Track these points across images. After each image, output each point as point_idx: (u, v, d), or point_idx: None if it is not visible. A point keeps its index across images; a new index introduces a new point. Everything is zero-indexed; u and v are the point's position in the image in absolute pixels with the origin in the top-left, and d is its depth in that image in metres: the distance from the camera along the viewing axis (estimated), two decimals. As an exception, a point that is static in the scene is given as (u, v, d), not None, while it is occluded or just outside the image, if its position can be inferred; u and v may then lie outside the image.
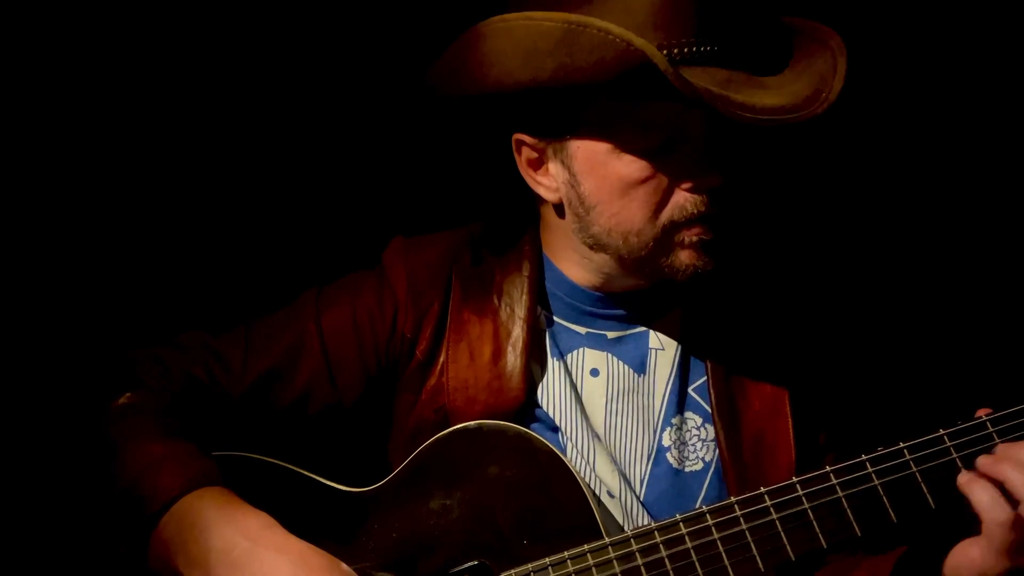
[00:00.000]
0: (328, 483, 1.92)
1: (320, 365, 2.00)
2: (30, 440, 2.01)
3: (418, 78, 1.99)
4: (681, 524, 1.78)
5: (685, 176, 1.88)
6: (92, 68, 2.37)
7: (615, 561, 1.78)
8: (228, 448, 1.92)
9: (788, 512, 1.75)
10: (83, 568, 1.91)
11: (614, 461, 1.98)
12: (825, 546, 1.75)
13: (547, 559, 1.81)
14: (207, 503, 1.77)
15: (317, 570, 1.73)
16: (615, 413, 2.01)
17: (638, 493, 1.97)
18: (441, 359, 2.01)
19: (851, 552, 1.94)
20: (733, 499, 1.78)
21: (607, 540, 1.79)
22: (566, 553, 1.80)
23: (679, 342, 2.05)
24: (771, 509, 1.76)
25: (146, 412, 1.87)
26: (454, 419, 1.96)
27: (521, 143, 1.97)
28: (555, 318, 2.05)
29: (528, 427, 1.92)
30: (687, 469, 2.00)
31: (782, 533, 1.75)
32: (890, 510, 1.74)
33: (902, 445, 1.75)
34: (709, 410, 2.01)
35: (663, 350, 2.04)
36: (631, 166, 1.88)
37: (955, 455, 1.73)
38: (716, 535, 1.77)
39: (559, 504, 1.85)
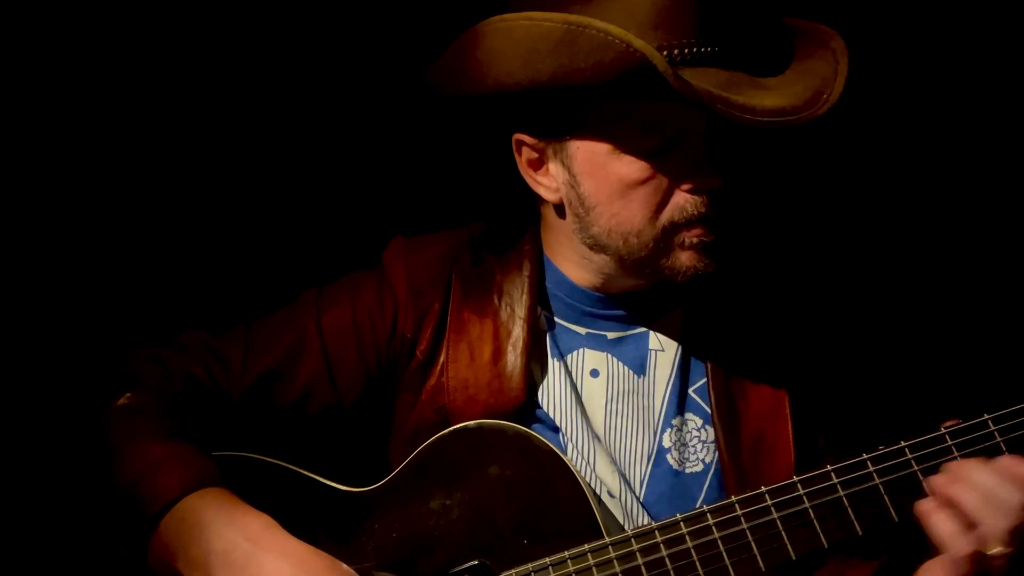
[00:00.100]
0: (328, 483, 1.92)
1: (320, 365, 2.00)
2: (30, 440, 2.01)
3: (418, 78, 1.99)
4: (682, 523, 1.78)
5: (685, 177, 1.88)
6: (92, 68, 2.37)
7: (615, 561, 1.78)
8: (228, 448, 1.92)
9: (789, 511, 1.76)
10: (83, 569, 1.91)
11: (614, 462, 1.98)
12: (826, 545, 1.75)
13: (547, 559, 1.80)
14: (207, 504, 1.77)
15: (317, 571, 1.73)
16: (615, 414, 2.01)
17: (638, 494, 1.97)
18: (441, 359, 2.00)
19: (846, 556, 1.94)
20: (734, 498, 1.78)
21: (607, 540, 1.79)
22: (566, 553, 1.80)
23: (679, 343, 2.05)
24: (772, 508, 1.76)
25: (146, 412, 1.87)
26: (454, 419, 1.95)
27: (521, 143, 1.97)
28: (555, 318, 2.05)
29: (528, 427, 1.92)
30: (687, 470, 1.99)
31: (783, 532, 1.75)
32: (891, 509, 1.74)
33: (903, 444, 1.75)
34: (709, 411, 2.01)
35: (663, 351, 2.04)
36: (631, 167, 1.87)
37: (956, 454, 1.74)
38: (717, 534, 1.77)
39: (559, 504, 1.85)
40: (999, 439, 1.73)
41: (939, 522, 1.70)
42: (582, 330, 2.05)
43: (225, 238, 2.45)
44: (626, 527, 1.92)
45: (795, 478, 1.77)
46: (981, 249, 2.50)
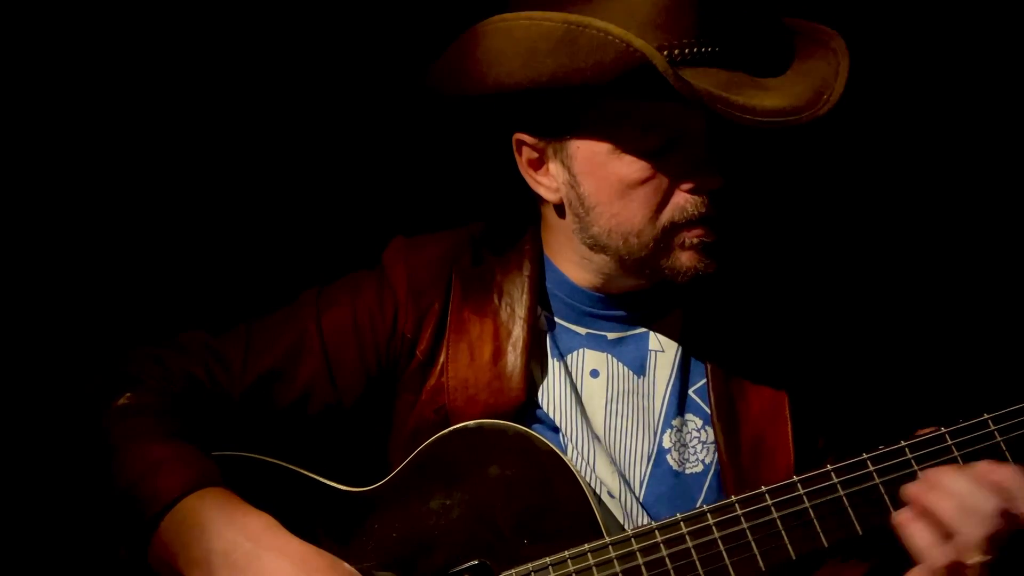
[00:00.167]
0: (328, 483, 1.92)
1: (320, 365, 2.00)
2: (31, 441, 2.01)
3: (418, 78, 1.99)
4: (682, 523, 1.78)
5: (685, 177, 1.88)
6: (92, 68, 2.37)
7: (616, 560, 1.78)
8: (228, 448, 1.91)
9: (789, 511, 1.75)
10: (83, 569, 1.91)
11: (614, 462, 1.98)
12: (826, 545, 1.74)
13: (547, 559, 1.80)
14: (208, 504, 1.77)
15: (318, 571, 1.73)
16: (615, 414, 2.01)
17: (638, 494, 1.97)
18: (441, 359, 2.00)
19: (845, 556, 1.93)
20: (734, 498, 1.78)
21: (608, 539, 1.79)
22: (567, 553, 1.80)
23: (679, 343, 2.04)
24: (772, 508, 1.76)
25: (146, 413, 1.87)
26: (454, 419, 1.95)
27: (521, 143, 1.97)
28: (555, 318, 2.05)
29: (528, 427, 1.91)
30: (687, 471, 1.99)
31: (783, 532, 1.75)
32: (892, 509, 1.73)
33: (903, 444, 1.75)
34: (709, 412, 2.01)
35: (663, 352, 2.04)
36: (631, 167, 1.87)
37: (956, 453, 1.74)
38: (717, 534, 1.77)
39: (560, 504, 1.85)
40: (999, 439, 1.73)
41: (915, 533, 1.69)
42: (582, 330, 2.05)
43: (225, 238, 2.45)
44: (626, 527, 1.92)
45: (795, 478, 1.77)
46: (981, 250, 2.50)
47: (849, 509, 1.75)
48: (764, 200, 2.35)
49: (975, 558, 1.65)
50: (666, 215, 1.89)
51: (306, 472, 1.92)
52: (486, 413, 1.95)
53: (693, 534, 1.77)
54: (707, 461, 2.00)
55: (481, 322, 2.01)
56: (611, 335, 2.04)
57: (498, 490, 1.86)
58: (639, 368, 2.03)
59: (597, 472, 1.97)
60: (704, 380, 2.02)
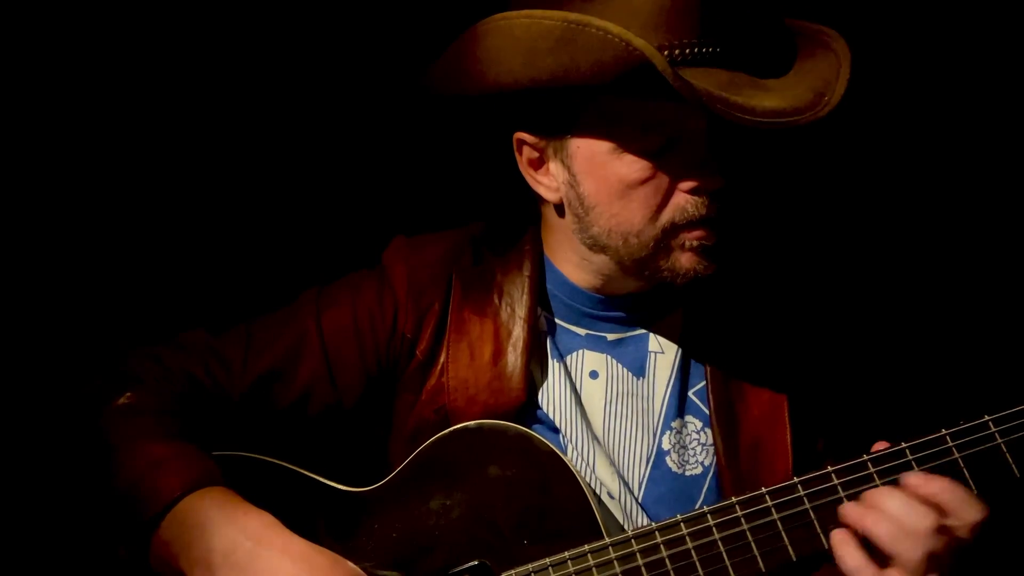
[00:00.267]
0: (328, 483, 1.92)
1: (320, 365, 1.99)
2: (31, 441, 2.00)
3: (419, 78, 1.99)
4: (682, 524, 1.78)
5: (686, 178, 1.87)
6: (92, 68, 2.37)
7: (616, 561, 1.78)
8: (228, 448, 1.91)
9: (789, 512, 1.75)
10: (83, 569, 1.90)
11: (613, 463, 1.98)
12: (827, 546, 1.74)
13: (547, 559, 1.80)
14: (209, 503, 1.77)
15: (319, 569, 1.73)
16: (614, 415, 2.01)
17: (637, 496, 1.97)
18: (441, 359, 2.00)
19: None
20: (734, 499, 1.77)
21: (608, 540, 1.79)
22: (567, 553, 1.79)
23: (679, 345, 2.04)
24: (772, 509, 1.76)
25: (146, 412, 1.87)
26: (454, 419, 1.95)
27: (522, 142, 1.97)
28: (555, 319, 2.05)
29: (528, 428, 1.91)
30: (687, 473, 1.99)
31: (783, 533, 1.75)
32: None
33: (904, 445, 1.75)
34: (708, 414, 2.00)
35: (663, 353, 2.04)
36: (631, 166, 1.87)
37: (957, 455, 1.73)
38: (717, 535, 1.76)
39: (560, 504, 1.85)
40: (999, 440, 1.73)
41: (845, 555, 1.70)
42: (582, 331, 2.04)
43: (225, 238, 2.45)
44: (626, 528, 1.92)
45: (795, 479, 1.77)
46: (981, 251, 2.50)
47: (850, 510, 1.75)
48: (764, 202, 2.36)
49: None
50: (666, 215, 1.89)
51: (306, 472, 1.92)
52: (486, 413, 1.94)
53: (693, 535, 1.77)
54: (706, 463, 2.00)
55: (481, 322, 2.01)
56: (611, 336, 2.04)
57: (498, 490, 1.86)
58: (638, 370, 2.03)
59: (597, 473, 1.97)
60: (703, 382, 2.02)
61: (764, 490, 1.77)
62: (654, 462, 1.99)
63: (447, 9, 2.02)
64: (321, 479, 1.92)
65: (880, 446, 1.77)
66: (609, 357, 2.03)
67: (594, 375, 2.02)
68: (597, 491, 1.94)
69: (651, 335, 2.04)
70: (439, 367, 2.00)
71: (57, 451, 1.90)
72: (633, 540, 1.78)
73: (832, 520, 1.74)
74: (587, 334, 2.04)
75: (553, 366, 2.02)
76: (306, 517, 1.84)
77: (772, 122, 1.80)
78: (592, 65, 1.75)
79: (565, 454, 1.89)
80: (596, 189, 1.91)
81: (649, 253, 1.91)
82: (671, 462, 1.99)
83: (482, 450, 1.89)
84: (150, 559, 1.78)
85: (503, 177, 2.04)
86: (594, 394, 2.02)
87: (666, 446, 2.00)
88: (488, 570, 1.83)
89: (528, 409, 1.98)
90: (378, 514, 1.88)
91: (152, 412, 1.87)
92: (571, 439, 1.98)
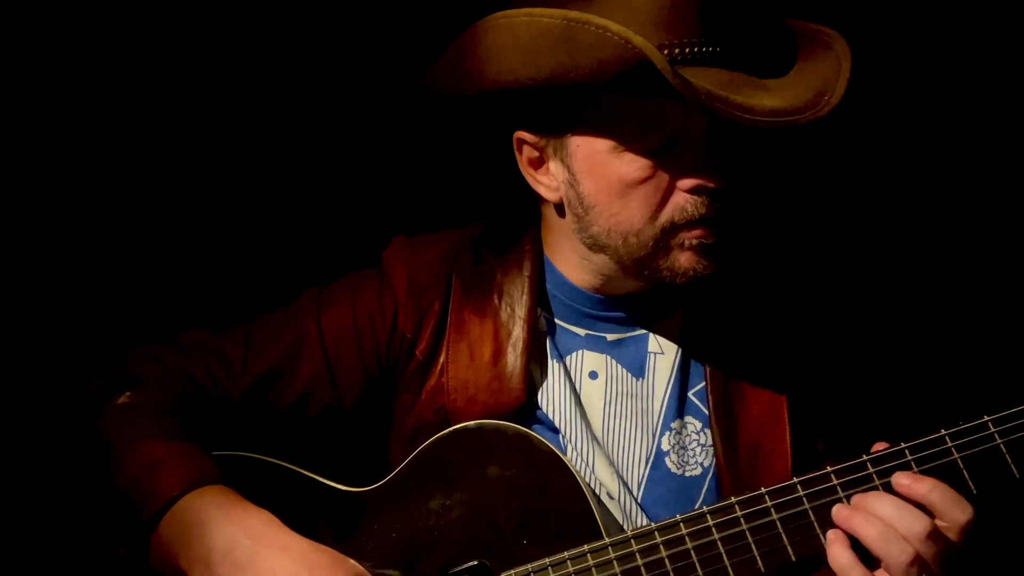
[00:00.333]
0: (328, 483, 1.91)
1: (320, 365, 1.99)
2: (31, 440, 2.00)
3: (419, 77, 1.99)
4: (681, 524, 1.78)
5: (685, 177, 1.87)
6: (92, 68, 2.37)
7: (615, 561, 1.78)
8: (228, 448, 1.91)
9: (788, 512, 1.75)
10: (83, 569, 1.90)
11: (612, 464, 1.98)
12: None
13: (547, 559, 1.80)
14: (208, 502, 1.77)
15: (319, 567, 1.73)
16: (613, 416, 2.01)
17: (636, 496, 1.97)
18: (441, 359, 2.00)
19: None
20: (733, 499, 1.77)
21: (607, 540, 1.79)
22: (566, 553, 1.79)
23: (679, 346, 2.04)
24: (772, 509, 1.76)
25: (146, 412, 1.87)
26: (454, 419, 1.95)
27: (522, 142, 1.97)
28: (555, 319, 2.05)
29: (528, 428, 1.91)
30: (687, 474, 1.99)
31: (782, 533, 1.75)
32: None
33: (903, 445, 1.75)
34: (708, 415, 2.00)
35: (662, 354, 2.04)
36: (631, 165, 1.87)
37: (956, 456, 1.73)
38: (716, 535, 1.76)
39: (559, 504, 1.84)
40: (999, 440, 1.73)
41: (834, 556, 1.71)
42: (581, 331, 2.04)
43: (225, 238, 2.45)
44: (625, 528, 1.91)
45: (795, 479, 1.77)
46: (980, 250, 2.50)
47: (849, 510, 1.75)
48: (764, 202, 2.35)
49: None
50: (665, 215, 1.89)
51: (306, 472, 1.92)
52: (486, 414, 1.94)
53: (693, 535, 1.77)
54: (706, 464, 2.00)
55: (481, 322, 2.01)
56: (610, 336, 2.04)
57: (498, 490, 1.86)
58: (638, 370, 2.03)
59: (596, 473, 1.96)
60: (703, 383, 2.02)
61: (763, 490, 1.77)
62: (653, 463, 1.99)
63: (447, 9, 2.02)
64: (321, 479, 1.92)
65: (880, 447, 1.77)
66: (609, 357, 2.03)
67: (593, 375, 2.02)
68: (596, 491, 1.94)
69: (651, 335, 2.04)
70: (439, 367, 2.00)
71: (57, 451, 1.90)
72: (632, 540, 1.78)
73: (832, 520, 1.74)
74: (587, 334, 2.04)
75: (553, 366, 2.02)
76: (306, 517, 1.84)
77: (772, 121, 1.80)
78: (592, 63, 1.75)
79: (565, 454, 1.89)
80: (596, 188, 1.90)
81: (648, 253, 1.91)
82: (670, 463, 1.99)
83: (482, 450, 1.89)
84: (150, 558, 1.78)
85: (503, 177, 2.04)
86: (593, 395, 2.02)
87: (665, 447, 1.99)
88: (488, 570, 1.83)
89: (528, 409, 1.98)
90: (378, 514, 1.88)
91: (152, 412, 1.87)
92: (571, 439, 1.98)
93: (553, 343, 2.03)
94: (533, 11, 1.81)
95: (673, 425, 2.00)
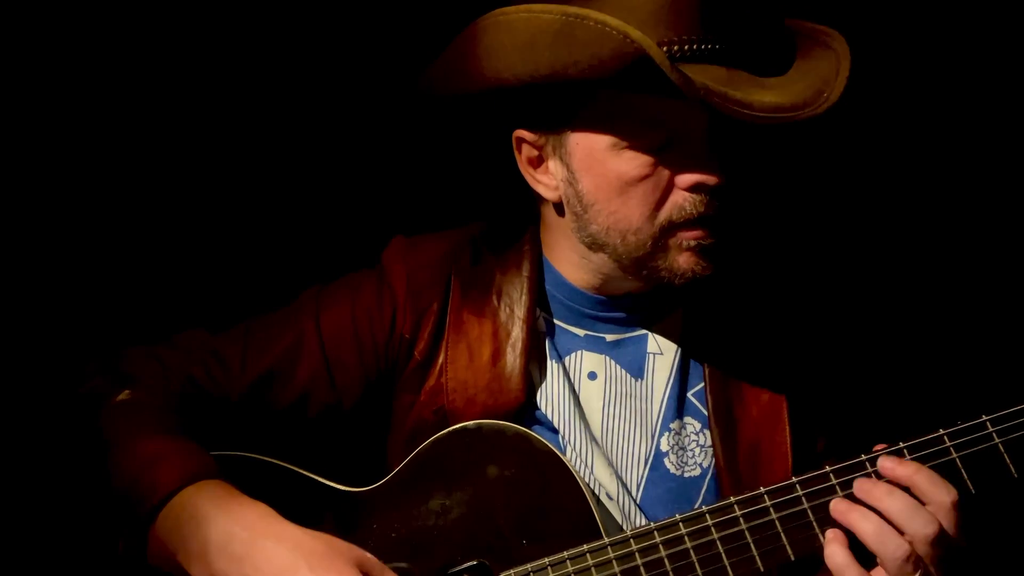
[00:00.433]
0: (328, 483, 1.91)
1: (319, 365, 1.99)
2: (29, 438, 2.01)
3: (419, 77, 1.99)
4: (680, 524, 1.78)
5: (685, 175, 1.87)
6: (92, 68, 2.37)
7: (614, 561, 1.78)
8: (227, 448, 1.91)
9: (788, 512, 1.75)
10: (82, 566, 1.91)
11: (611, 465, 1.98)
12: (825, 546, 1.75)
13: (546, 559, 1.80)
14: (205, 496, 1.77)
15: (314, 555, 1.72)
16: (612, 417, 2.01)
17: (635, 497, 1.97)
18: (440, 360, 2.00)
19: None
20: (732, 499, 1.78)
21: (606, 540, 1.79)
22: (565, 553, 1.79)
23: (678, 346, 2.04)
24: (771, 509, 1.76)
25: (145, 409, 1.87)
26: (453, 420, 1.95)
27: (521, 140, 1.97)
28: (554, 320, 2.05)
29: (528, 428, 1.91)
30: (686, 475, 1.99)
31: (782, 533, 1.75)
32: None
33: (902, 445, 1.75)
34: (707, 416, 2.00)
35: (662, 354, 2.04)
36: (630, 163, 1.87)
37: (955, 455, 1.74)
38: (715, 535, 1.77)
39: (558, 504, 1.84)
40: (997, 440, 1.73)
41: (832, 554, 1.71)
42: (580, 332, 2.04)
43: (225, 238, 2.46)
44: (625, 529, 1.91)
45: (794, 479, 1.77)
46: (980, 250, 2.50)
47: (848, 510, 1.75)
48: (764, 201, 2.35)
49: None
50: (664, 213, 1.88)
51: (305, 472, 1.92)
52: (485, 414, 1.94)
53: (692, 535, 1.77)
54: (705, 465, 2.00)
55: (480, 323, 2.00)
56: (609, 337, 2.04)
57: (497, 490, 1.86)
58: (637, 371, 2.03)
59: (595, 474, 1.96)
60: (702, 383, 2.02)
61: (763, 490, 1.77)
62: (652, 463, 1.99)
63: (446, 9, 2.02)
64: (320, 479, 1.92)
65: (879, 447, 1.77)
66: (608, 358, 2.03)
67: (592, 376, 2.02)
68: (596, 492, 1.94)
69: (650, 336, 2.04)
70: (438, 368, 2.00)
71: (56, 448, 1.90)
72: (632, 540, 1.78)
73: (831, 520, 1.74)
74: (586, 335, 2.04)
75: (552, 367, 2.02)
76: (305, 517, 1.83)
77: (770, 117, 1.80)
78: (591, 59, 1.76)
79: (564, 454, 1.89)
80: (595, 186, 1.90)
81: (647, 252, 1.91)
82: (669, 464, 1.99)
83: (481, 450, 1.89)
84: (148, 554, 1.78)
85: (503, 177, 2.04)
86: (593, 395, 2.01)
87: (664, 447, 1.99)
88: (487, 570, 1.83)
89: (527, 410, 1.98)
90: (377, 514, 1.88)
91: (151, 409, 1.87)
92: (570, 440, 1.98)
93: (552, 343, 2.03)
94: (532, 7, 1.81)
95: (672, 426, 2.00)
